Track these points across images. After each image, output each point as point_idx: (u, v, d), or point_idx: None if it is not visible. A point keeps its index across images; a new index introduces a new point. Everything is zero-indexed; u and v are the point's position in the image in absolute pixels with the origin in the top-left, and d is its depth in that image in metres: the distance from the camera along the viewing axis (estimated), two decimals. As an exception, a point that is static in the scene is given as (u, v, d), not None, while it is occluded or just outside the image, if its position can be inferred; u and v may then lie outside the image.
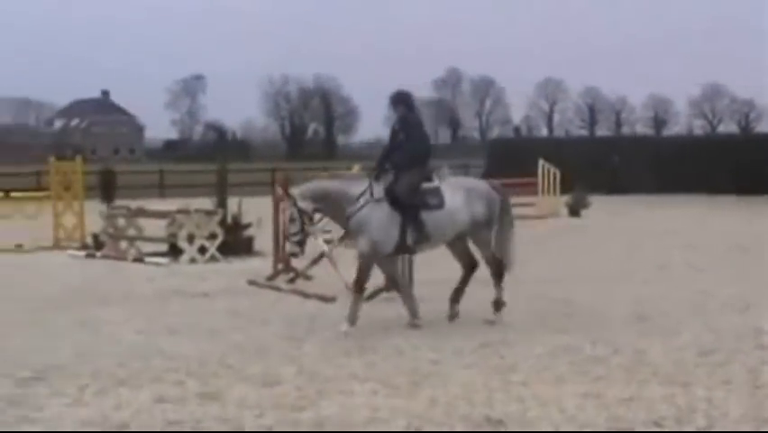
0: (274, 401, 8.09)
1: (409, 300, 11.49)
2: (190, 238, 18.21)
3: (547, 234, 23.68)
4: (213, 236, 18.30)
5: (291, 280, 14.95)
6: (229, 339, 10.62)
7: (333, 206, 11.13)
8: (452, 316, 11.67)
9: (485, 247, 11.69)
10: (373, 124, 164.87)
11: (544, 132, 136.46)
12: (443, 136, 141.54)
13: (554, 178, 30.07)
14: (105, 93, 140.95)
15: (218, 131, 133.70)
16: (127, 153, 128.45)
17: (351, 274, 13.08)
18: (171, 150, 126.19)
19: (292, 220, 10.96)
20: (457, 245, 11.79)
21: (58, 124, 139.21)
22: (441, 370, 9.22)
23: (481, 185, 11.98)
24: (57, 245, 20.96)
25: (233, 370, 9.23)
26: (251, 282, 14.89)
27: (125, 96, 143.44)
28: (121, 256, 18.74)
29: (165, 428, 7.43)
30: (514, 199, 11.81)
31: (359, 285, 11.06)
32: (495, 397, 8.22)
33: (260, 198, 23.82)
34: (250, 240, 19.32)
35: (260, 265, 16.57)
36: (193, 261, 17.97)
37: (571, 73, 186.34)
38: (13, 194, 23.33)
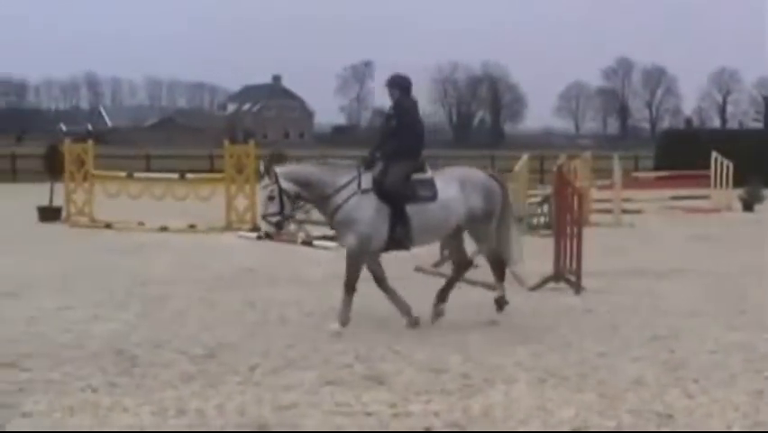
0: (441, 388, 8.12)
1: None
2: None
3: (720, 227, 23.11)
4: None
5: (458, 268, 14.99)
6: (395, 324, 10.70)
7: (316, 193, 10.42)
8: (437, 315, 10.88)
9: (484, 242, 11.02)
10: (541, 112, 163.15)
11: (717, 123, 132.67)
12: (612, 127, 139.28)
13: (727, 171, 29.20)
14: (277, 78, 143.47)
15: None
16: (297, 138, 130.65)
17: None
18: (339, 134, 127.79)
19: (271, 198, 10.28)
20: (450, 241, 11.27)
21: (230, 108, 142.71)
22: (609, 362, 9.07)
23: (479, 175, 11.10)
24: (229, 227, 21.49)
25: (400, 355, 9.29)
26: (418, 269, 14.95)
27: (296, 82, 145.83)
28: (290, 239, 19.08)
29: (332, 409, 7.54)
30: (686, 191, 11.56)
31: (349, 285, 10.36)
32: (664, 392, 8.06)
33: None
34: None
35: (427, 252, 16.61)
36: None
37: (746, 63, 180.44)
38: (188, 176, 23.95)
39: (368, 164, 10.54)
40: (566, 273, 13.22)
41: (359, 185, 10.34)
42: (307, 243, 18.75)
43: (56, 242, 19.16)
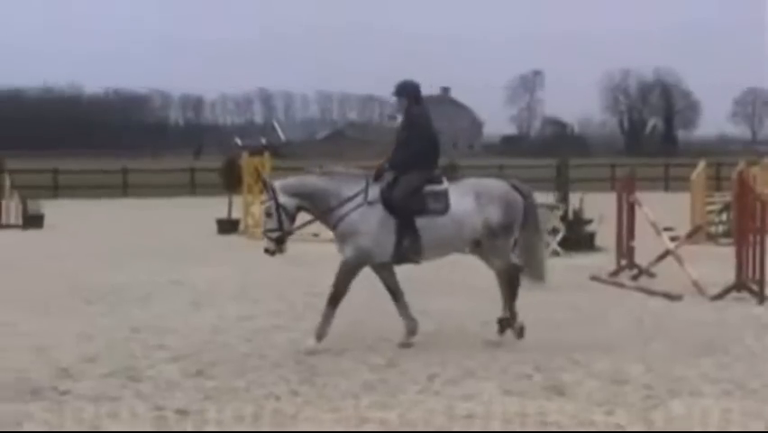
0: (623, 399, 7.98)
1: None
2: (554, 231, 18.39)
3: None
4: (555, 231, 18.29)
5: (635, 277, 14.76)
6: (573, 334, 10.56)
7: (319, 205, 10.03)
8: (519, 330, 10.28)
9: (498, 257, 10.27)
10: (715, 117, 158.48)
11: None
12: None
13: None
14: (446, 89, 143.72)
15: (557, 126, 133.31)
16: (466, 148, 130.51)
17: (697, 272, 12.75)
18: (509, 144, 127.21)
19: (268, 215, 9.95)
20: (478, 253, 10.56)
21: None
22: (800, 375, 8.76)
23: (498, 186, 10.45)
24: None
25: (579, 365, 9.17)
26: (594, 278, 14.75)
27: (465, 94, 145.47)
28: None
29: (511, 419, 7.48)
30: None
31: (334, 298, 9.91)
32: None
33: (600, 193, 23.60)
34: (591, 236, 19.23)
35: (603, 261, 16.39)
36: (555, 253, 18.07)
37: None
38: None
39: (377, 175, 10.09)
40: (749, 283, 12.83)
41: (365, 197, 9.91)
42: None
43: (234, 253, 19.62)
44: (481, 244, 10.22)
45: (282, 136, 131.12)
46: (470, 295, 13.43)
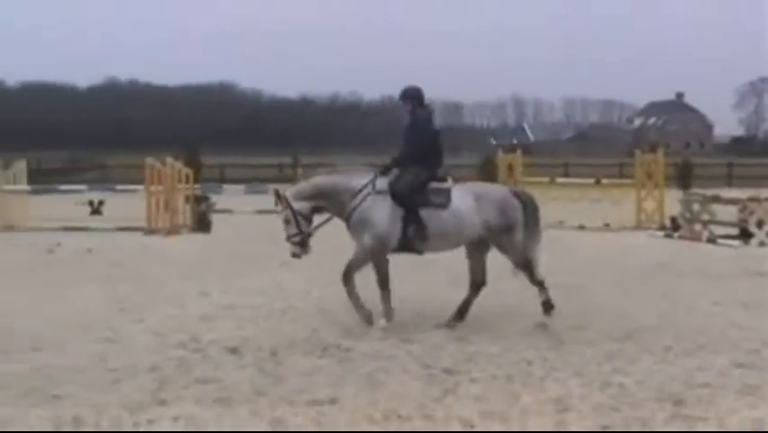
0: None
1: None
2: (760, 223, 17.52)
3: None
4: (760, 223, 17.44)
5: None
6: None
7: (333, 201, 9.65)
8: (448, 326, 9.68)
9: (510, 253, 9.83)
10: None
11: None
12: None
13: None
14: (680, 95, 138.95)
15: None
16: (697, 148, 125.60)
17: None
18: (738, 144, 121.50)
19: (287, 222, 9.60)
20: (476, 256, 10.00)
21: (636, 122, 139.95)
22: None
23: (497, 191, 10.12)
24: (638, 226, 21.08)
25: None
26: None
27: (697, 97, 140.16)
28: (695, 237, 18.39)
29: (742, 390, 7.15)
30: None
31: (383, 282, 9.55)
32: None
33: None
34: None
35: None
36: (762, 244, 17.22)
37: None
38: (602, 181, 24.05)
39: (383, 171, 9.75)
40: None
41: (373, 187, 9.58)
42: (711, 240, 17.96)
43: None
44: (489, 243, 9.85)
45: (531, 137, 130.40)
46: (701, 279, 12.96)
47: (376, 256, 9.56)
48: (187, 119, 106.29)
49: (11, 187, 21.82)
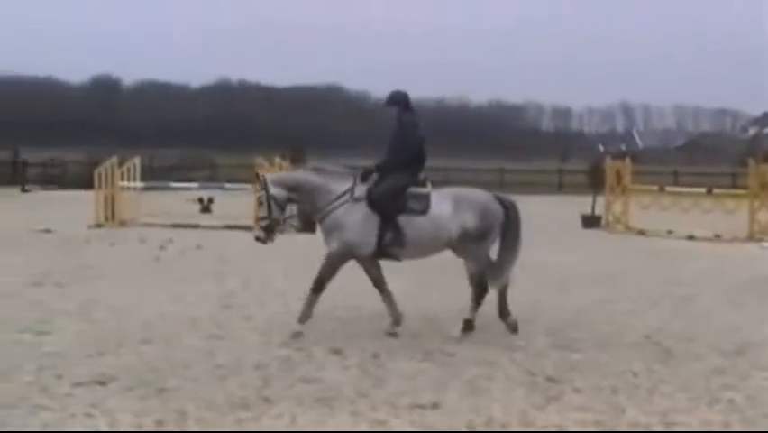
0: None
1: (392, 307, 9.56)
2: None
3: None
4: None
5: None
6: None
7: (309, 199, 9.49)
8: (513, 326, 9.52)
9: (471, 261, 9.49)
10: None
11: None
12: None
13: None
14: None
15: None
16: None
17: None
18: None
19: (260, 204, 9.44)
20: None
21: (751, 131, 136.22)
22: None
23: (478, 195, 9.63)
24: (751, 238, 20.46)
25: None
26: None
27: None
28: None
29: None
30: None
31: (319, 283, 9.29)
32: None
33: None
34: None
35: None
36: None
37: None
38: (714, 191, 23.43)
39: (364, 175, 9.51)
40: None
41: (351, 194, 9.36)
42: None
43: (596, 245, 19.36)
44: (457, 248, 9.55)
45: (640, 144, 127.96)
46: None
47: (334, 262, 9.38)
48: (295, 120, 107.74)
49: (124, 183, 22.44)
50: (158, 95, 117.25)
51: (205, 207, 23.41)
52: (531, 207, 31.86)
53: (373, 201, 9.31)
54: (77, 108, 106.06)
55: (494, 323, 9.58)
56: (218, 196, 23.46)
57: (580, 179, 29.48)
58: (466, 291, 9.55)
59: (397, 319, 9.58)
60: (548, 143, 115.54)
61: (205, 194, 24.02)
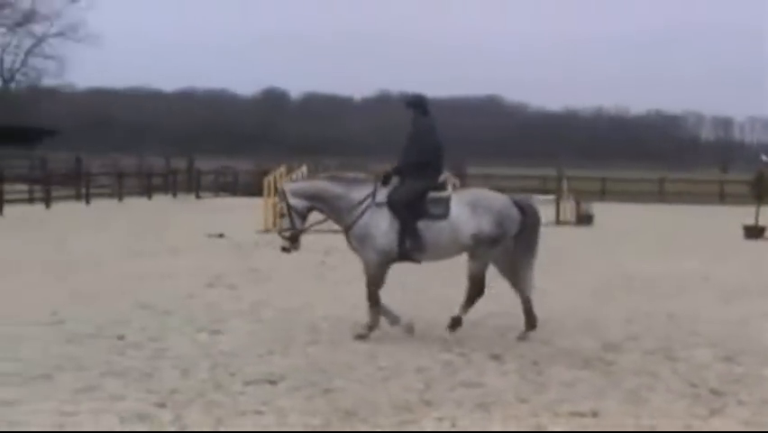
0: None
1: (387, 313, 9.42)
2: None
3: None
4: None
5: None
6: None
7: (330, 207, 9.36)
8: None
9: (475, 261, 9.24)
10: None
11: None
12: None
13: None
14: None
15: None
16: None
17: None
18: None
19: (282, 215, 9.41)
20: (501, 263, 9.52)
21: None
22: None
23: (497, 199, 9.38)
24: None
25: None
26: None
27: None
28: None
29: None
30: None
31: (373, 297, 9.22)
32: None
33: None
34: None
35: None
36: None
37: None
38: None
39: (384, 180, 9.36)
40: None
41: (373, 199, 9.22)
42: None
43: (760, 256, 18.59)
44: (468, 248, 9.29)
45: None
46: None
47: (376, 271, 9.30)
48: (454, 131, 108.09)
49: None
50: (323, 107, 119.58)
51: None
52: (691, 218, 31.13)
53: (393, 205, 9.24)
54: (246, 120, 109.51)
55: (653, 332, 9.33)
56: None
57: (742, 189, 28.32)
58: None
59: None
60: (708, 153, 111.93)
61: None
